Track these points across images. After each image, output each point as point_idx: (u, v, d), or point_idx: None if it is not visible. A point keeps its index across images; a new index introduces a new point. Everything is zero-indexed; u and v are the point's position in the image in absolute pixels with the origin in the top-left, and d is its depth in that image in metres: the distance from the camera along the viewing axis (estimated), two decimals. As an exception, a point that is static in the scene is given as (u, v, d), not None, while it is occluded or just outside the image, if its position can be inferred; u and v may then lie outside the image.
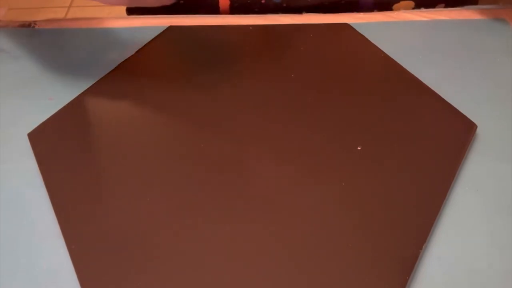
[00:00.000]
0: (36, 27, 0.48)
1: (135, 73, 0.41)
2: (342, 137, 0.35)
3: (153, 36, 0.45)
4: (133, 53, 0.43)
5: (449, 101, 0.37)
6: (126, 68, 0.41)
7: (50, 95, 0.40)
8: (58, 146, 0.35)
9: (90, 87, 0.40)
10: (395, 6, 0.52)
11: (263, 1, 0.51)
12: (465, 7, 0.49)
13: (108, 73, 0.41)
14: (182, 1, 0.54)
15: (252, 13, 0.51)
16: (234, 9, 0.53)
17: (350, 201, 0.31)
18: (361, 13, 0.49)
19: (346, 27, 0.45)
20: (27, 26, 0.48)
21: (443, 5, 0.53)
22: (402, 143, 0.34)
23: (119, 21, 0.50)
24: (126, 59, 0.42)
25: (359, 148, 0.34)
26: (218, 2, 0.52)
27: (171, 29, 0.46)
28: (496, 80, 0.40)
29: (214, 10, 0.53)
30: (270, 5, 0.52)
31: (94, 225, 0.30)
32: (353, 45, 0.44)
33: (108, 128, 0.36)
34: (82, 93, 0.39)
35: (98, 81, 0.40)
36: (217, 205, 0.31)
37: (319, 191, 0.31)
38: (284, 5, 0.51)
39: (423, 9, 0.49)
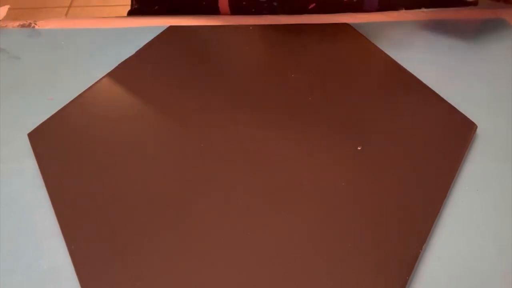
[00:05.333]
0: (36, 27, 0.48)
1: (135, 73, 0.41)
2: (342, 137, 0.35)
3: (153, 36, 0.45)
4: (133, 53, 0.43)
5: (449, 101, 0.37)
6: (126, 68, 0.41)
7: (50, 95, 0.40)
8: (58, 146, 0.35)
9: (90, 87, 0.40)
10: None
11: (265, 5, 0.51)
12: (465, 7, 0.49)
13: (108, 73, 0.41)
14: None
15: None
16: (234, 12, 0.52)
17: (350, 201, 0.31)
18: (361, 13, 0.49)
19: (346, 27, 0.45)
20: (27, 26, 0.48)
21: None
22: (402, 143, 0.34)
23: (119, 21, 0.50)
24: (126, 59, 0.42)
25: (359, 148, 0.34)
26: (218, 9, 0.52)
27: (171, 29, 0.46)
28: (496, 80, 0.40)
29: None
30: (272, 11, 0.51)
31: (94, 225, 0.30)
32: (353, 45, 0.44)
33: (108, 128, 0.36)
34: (82, 93, 0.39)
35: (98, 81, 0.40)
36: (218, 205, 0.31)
37: (319, 191, 0.31)
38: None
39: (423, 9, 0.49)
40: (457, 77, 0.40)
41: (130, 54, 0.43)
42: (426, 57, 0.43)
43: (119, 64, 0.42)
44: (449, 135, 0.35)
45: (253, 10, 0.51)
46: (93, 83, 0.40)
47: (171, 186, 0.32)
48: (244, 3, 0.51)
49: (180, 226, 0.30)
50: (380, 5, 0.51)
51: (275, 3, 0.51)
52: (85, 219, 0.30)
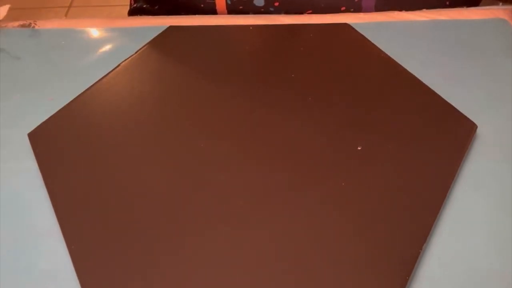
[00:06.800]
0: (36, 27, 0.48)
1: (135, 73, 0.41)
2: (342, 137, 0.35)
3: (153, 36, 0.45)
4: (133, 53, 0.43)
5: (449, 101, 0.37)
6: (126, 68, 0.41)
7: (50, 95, 0.40)
8: (58, 146, 0.35)
9: (90, 87, 0.40)
10: None
11: (262, 10, 0.51)
12: (465, 7, 0.49)
13: (108, 73, 0.41)
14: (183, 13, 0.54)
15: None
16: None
17: (350, 201, 0.31)
18: (361, 13, 0.49)
19: (346, 27, 0.45)
20: (27, 26, 0.48)
21: None
22: (402, 143, 0.34)
23: (119, 21, 0.50)
24: (126, 59, 0.42)
25: (359, 148, 0.34)
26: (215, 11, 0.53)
27: (171, 29, 0.46)
28: (496, 80, 0.40)
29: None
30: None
31: (94, 225, 0.30)
32: (353, 45, 0.44)
33: (108, 128, 0.36)
34: (82, 93, 0.39)
35: (98, 81, 0.40)
36: (217, 205, 0.31)
37: (319, 191, 0.31)
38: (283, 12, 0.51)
39: (423, 9, 0.49)
40: (457, 77, 0.40)
41: (130, 54, 0.43)
42: (426, 57, 0.43)
43: (119, 64, 0.42)
44: (449, 135, 0.35)
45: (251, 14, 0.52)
46: (93, 83, 0.40)
47: (171, 186, 0.32)
48: (241, 7, 0.51)
49: (181, 226, 0.30)
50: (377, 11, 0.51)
51: (271, 9, 0.51)
52: (85, 219, 0.30)
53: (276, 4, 0.50)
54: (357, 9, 0.50)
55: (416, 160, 0.33)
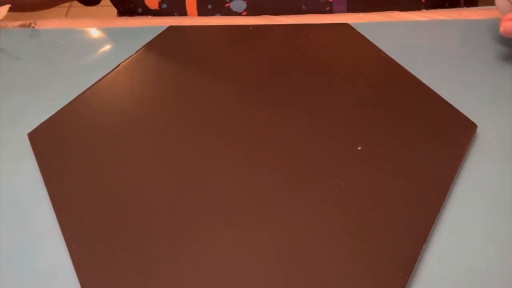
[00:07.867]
0: (36, 27, 0.48)
1: (135, 73, 0.41)
2: (342, 137, 0.35)
3: (153, 36, 0.45)
4: (133, 53, 0.43)
5: (449, 101, 0.37)
6: (126, 68, 0.41)
7: (50, 95, 0.40)
8: (58, 146, 0.35)
9: (90, 87, 0.40)
10: None
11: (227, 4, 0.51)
12: (465, 7, 0.49)
13: (108, 73, 0.41)
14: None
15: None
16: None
17: (350, 201, 0.31)
18: (361, 13, 0.49)
19: (346, 27, 0.45)
20: (27, 26, 0.48)
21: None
22: (402, 143, 0.34)
23: (119, 21, 0.50)
24: (126, 59, 0.42)
25: (359, 148, 0.34)
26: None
27: (171, 29, 0.46)
28: (496, 80, 0.40)
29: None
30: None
31: (94, 225, 0.30)
32: (353, 45, 0.44)
33: (108, 128, 0.36)
34: (82, 93, 0.39)
35: (98, 81, 0.40)
36: (217, 205, 0.31)
37: (319, 191, 0.31)
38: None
39: (423, 9, 0.49)
40: (457, 77, 0.40)
41: (130, 54, 0.43)
42: (426, 57, 0.43)
43: (119, 64, 0.42)
44: (449, 135, 0.35)
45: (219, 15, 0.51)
46: (93, 83, 0.40)
47: (171, 186, 0.32)
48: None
49: (180, 225, 0.30)
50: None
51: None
52: (85, 219, 0.30)
53: None
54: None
55: (416, 160, 0.33)
